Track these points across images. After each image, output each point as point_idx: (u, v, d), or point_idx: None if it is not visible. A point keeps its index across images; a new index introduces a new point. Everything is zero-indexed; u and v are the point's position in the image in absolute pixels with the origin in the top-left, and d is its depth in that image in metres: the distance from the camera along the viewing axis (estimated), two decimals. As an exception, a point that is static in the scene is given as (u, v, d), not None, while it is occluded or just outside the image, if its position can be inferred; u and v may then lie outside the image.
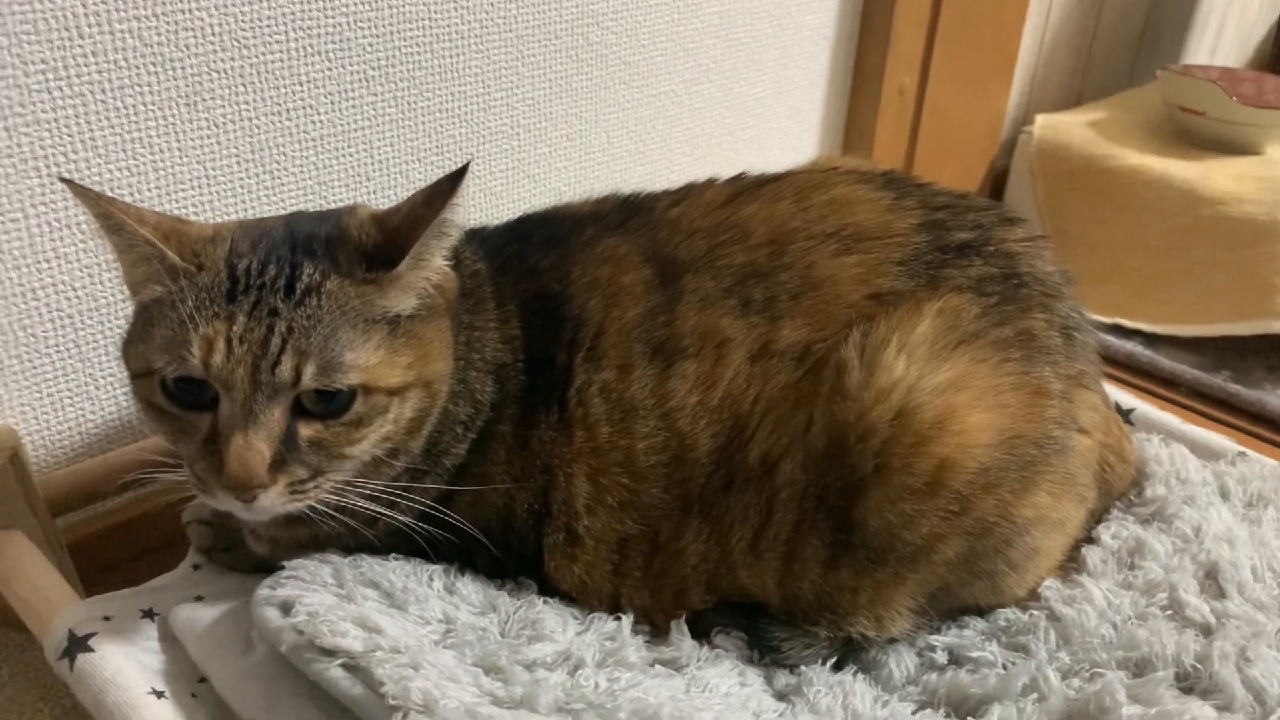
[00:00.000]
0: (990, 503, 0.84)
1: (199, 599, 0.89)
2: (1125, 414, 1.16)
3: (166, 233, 0.78)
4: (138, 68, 0.97)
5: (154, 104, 0.99)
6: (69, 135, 0.95)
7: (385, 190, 1.19)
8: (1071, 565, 0.96)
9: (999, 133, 1.97)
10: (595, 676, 0.76)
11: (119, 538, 1.05)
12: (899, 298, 0.87)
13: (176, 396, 0.76)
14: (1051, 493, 0.87)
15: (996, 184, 2.00)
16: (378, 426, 0.79)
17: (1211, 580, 0.91)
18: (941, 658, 0.87)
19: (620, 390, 0.87)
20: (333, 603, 0.78)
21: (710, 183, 0.98)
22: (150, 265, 0.77)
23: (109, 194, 0.78)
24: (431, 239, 0.79)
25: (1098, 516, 1.00)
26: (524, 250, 0.94)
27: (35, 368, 1.00)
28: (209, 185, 1.06)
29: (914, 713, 0.81)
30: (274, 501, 0.76)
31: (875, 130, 1.74)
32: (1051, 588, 0.92)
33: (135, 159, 1.00)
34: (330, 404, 0.77)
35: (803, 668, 0.85)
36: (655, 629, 0.87)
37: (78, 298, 1.00)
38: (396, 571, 0.84)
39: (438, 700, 0.70)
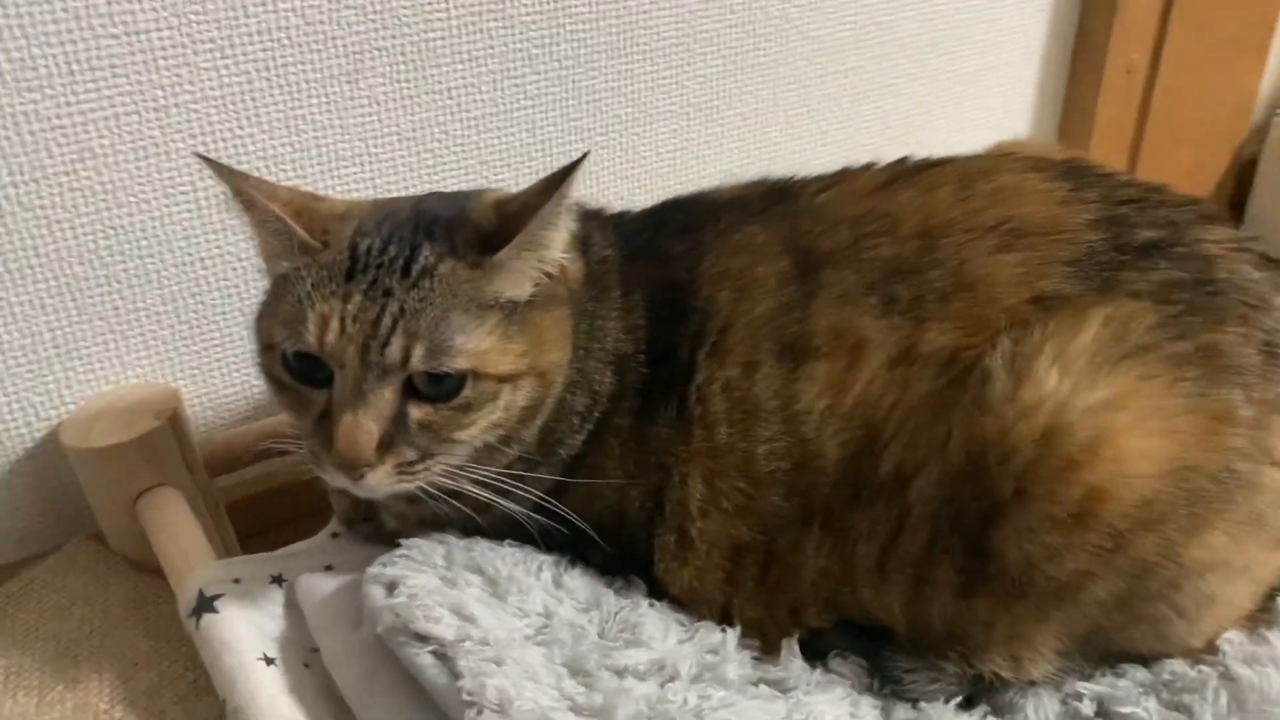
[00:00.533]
0: (1151, 541, 0.73)
1: (329, 568, 0.90)
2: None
3: (298, 209, 0.79)
4: (300, 45, 0.99)
5: (316, 81, 1.01)
6: (234, 111, 0.98)
7: (548, 171, 1.18)
8: (1263, 617, 0.83)
9: (1248, 116, 1.76)
10: (686, 692, 0.72)
11: (276, 501, 1.09)
12: (1064, 302, 0.78)
13: (296, 372, 0.77)
14: (1231, 534, 0.75)
15: (1243, 175, 1.79)
16: (487, 412, 0.77)
17: None
18: (1088, 708, 0.77)
19: (744, 389, 0.82)
20: (435, 586, 0.78)
21: (867, 167, 0.90)
22: (280, 241, 0.78)
23: (245, 171, 0.80)
24: (538, 228, 0.77)
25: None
26: (657, 237, 0.90)
27: (202, 334, 1.05)
28: (370, 162, 1.07)
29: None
30: (382, 481, 0.76)
31: (1097, 112, 1.59)
32: (1233, 641, 0.80)
33: (298, 135, 1.02)
34: (441, 387, 0.76)
35: (924, 704, 0.78)
36: (767, 645, 0.81)
37: (243, 268, 1.04)
38: (506, 559, 0.82)
39: (512, 700, 0.68)
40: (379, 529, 0.97)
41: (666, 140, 1.25)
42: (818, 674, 0.79)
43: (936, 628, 0.79)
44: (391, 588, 0.78)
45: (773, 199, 0.90)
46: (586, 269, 0.86)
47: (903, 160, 0.90)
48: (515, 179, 1.16)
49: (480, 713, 0.67)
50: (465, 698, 0.68)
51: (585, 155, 0.77)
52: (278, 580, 0.89)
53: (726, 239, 0.87)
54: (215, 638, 0.81)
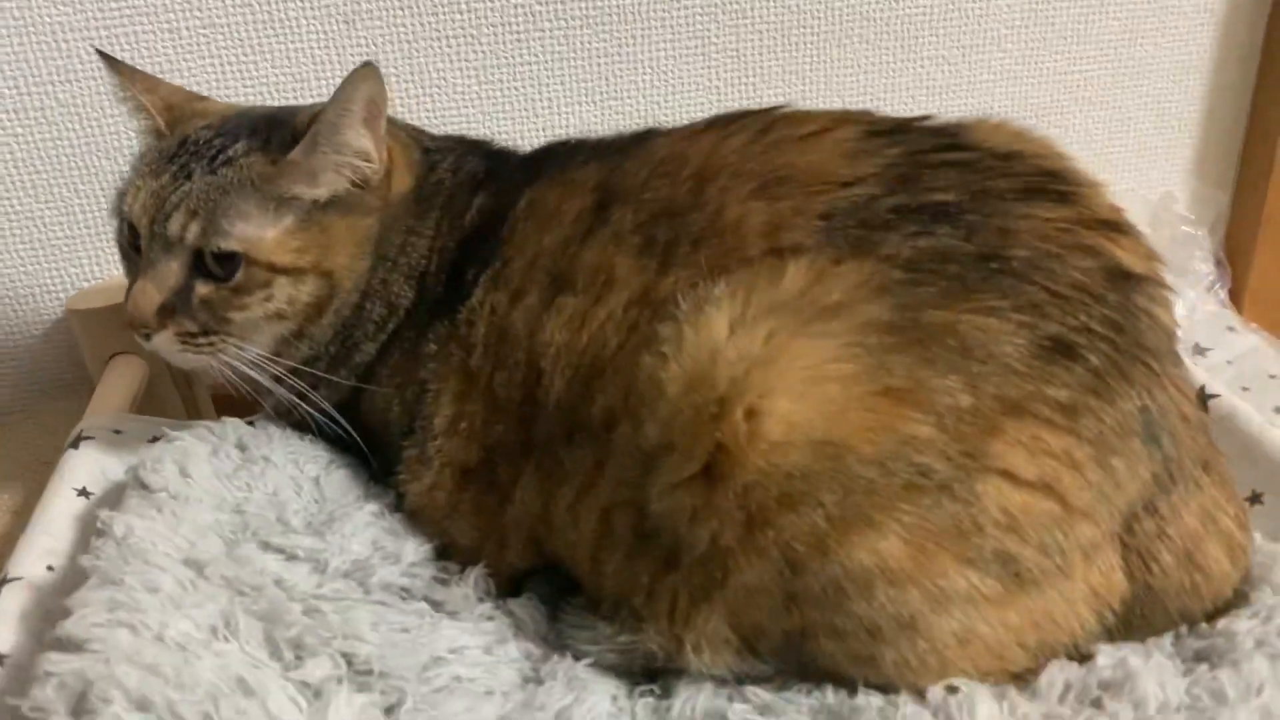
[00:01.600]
0: (794, 524, 0.65)
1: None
2: None
3: (169, 104, 0.89)
4: (295, -16, 1.11)
5: (315, 19, 1.12)
6: (239, 39, 1.12)
7: (550, 128, 1.21)
8: (1030, 673, 0.68)
9: None
10: (318, 583, 0.73)
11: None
12: (803, 255, 0.69)
13: (126, 239, 0.88)
14: (915, 544, 0.64)
15: None
16: (260, 299, 0.83)
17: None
18: (740, 711, 0.68)
19: (504, 316, 0.81)
20: (194, 448, 0.84)
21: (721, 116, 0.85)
22: (146, 127, 0.90)
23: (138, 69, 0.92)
24: (326, 133, 0.81)
25: (1121, 627, 0.70)
26: (507, 170, 0.91)
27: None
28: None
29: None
30: (165, 346, 0.84)
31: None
32: (952, 695, 0.66)
33: (298, 68, 1.14)
34: (222, 269, 0.82)
35: (582, 662, 0.72)
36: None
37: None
38: (279, 443, 0.87)
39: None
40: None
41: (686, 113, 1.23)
42: (486, 607, 0.76)
43: (610, 586, 0.74)
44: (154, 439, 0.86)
45: (627, 141, 0.87)
46: (417, 187, 0.88)
47: (769, 110, 0.83)
48: (520, 134, 1.20)
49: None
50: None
51: (367, 64, 0.80)
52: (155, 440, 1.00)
53: (560, 175, 0.86)
54: (62, 466, 0.93)
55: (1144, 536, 0.69)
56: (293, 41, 1.13)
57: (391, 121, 0.89)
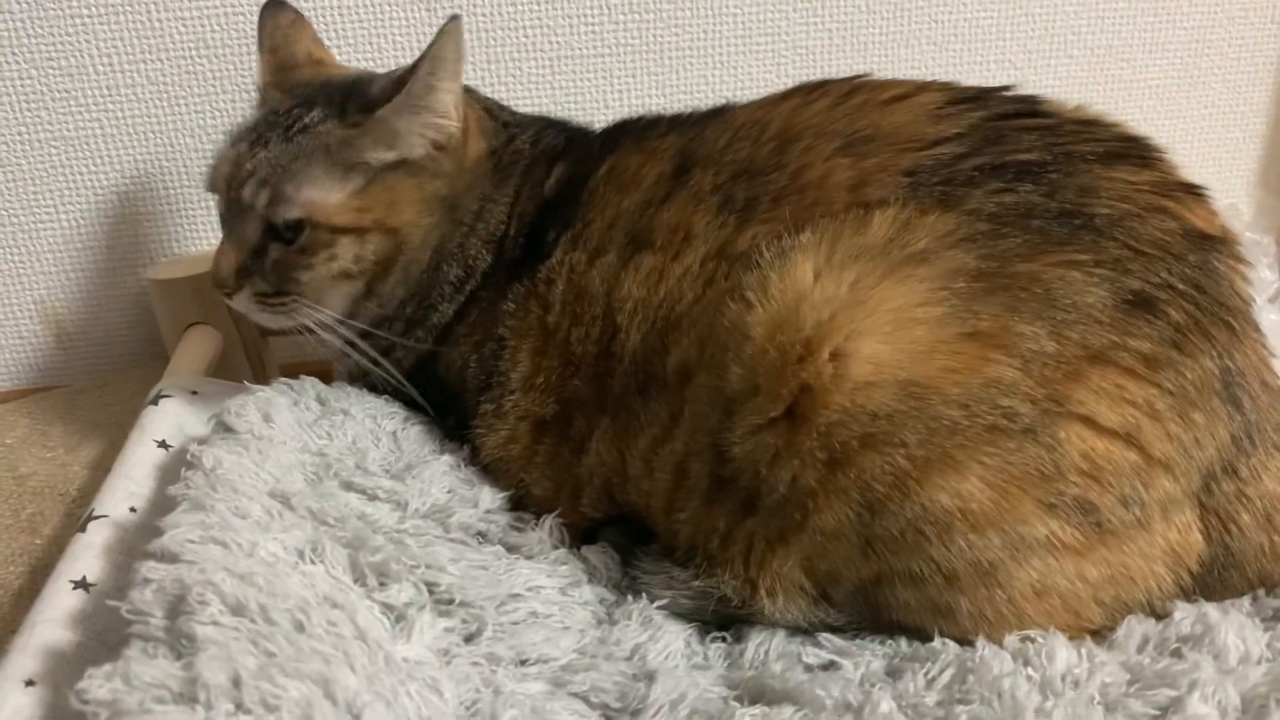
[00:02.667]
0: (876, 464, 0.65)
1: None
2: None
3: (281, 64, 0.93)
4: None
5: None
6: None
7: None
8: (1106, 630, 0.68)
9: None
10: (400, 519, 0.74)
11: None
12: (889, 208, 0.71)
13: (219, 204, 0.91)
14: (996, 486, 0.64)
15: None
16: (325, 259, 0.85)
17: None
18: (813, 657, 0.68)
19: (582, 274, 0.83)
20: (277, 399, 0.86)
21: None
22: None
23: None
24: (415, 90, 0.83)
25: (1198, 589, 0.70)
26: (587, 142, 0.93)
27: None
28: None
29: (722, 697, 0.66)
30: (245, 305, 0.88)
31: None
32: (1030, 643, 0.66)
33: (378, 52, 1.17)
34: (291, 232, 0.85)
35: (655, 605, 0.73)
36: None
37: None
38: (359, 400, 0.89)
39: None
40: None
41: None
42: (561, 552, 0.77)
43: (685, 534, 0.75)
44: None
45: (710, 113, 0.89)
46: (494, 155, 0.91)
47: (851, 78, 0.84)
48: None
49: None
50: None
51: (455, 17, 0.82)
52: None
53: (639, 144, 0.88)
54: (143, 420, 0.96)
55: (1223, 497, 0.69)
56: (375, 26, 1.16)
57: (470, 91, 0.92)
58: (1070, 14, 1.26)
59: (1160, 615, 0.69)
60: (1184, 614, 0.67)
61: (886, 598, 0.69)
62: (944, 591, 0.67)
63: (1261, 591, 0.71)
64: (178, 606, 0.58)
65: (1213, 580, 0.70)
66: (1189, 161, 1.33)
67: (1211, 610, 0.67)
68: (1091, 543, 0.65)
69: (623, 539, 0.78)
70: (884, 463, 0.64)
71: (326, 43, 1.15)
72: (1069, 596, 0.67)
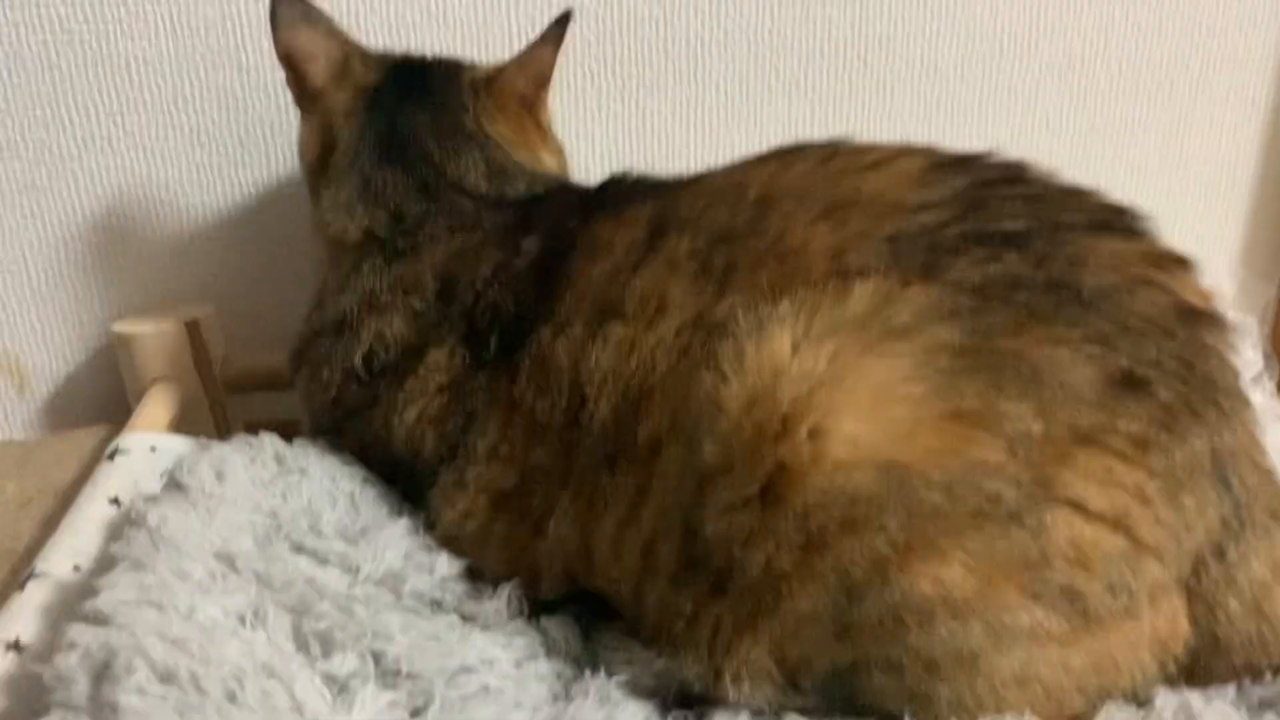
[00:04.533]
0: (855, 549, 0.62)
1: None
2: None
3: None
4: None
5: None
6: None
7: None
8: (1086, 717, 0.65)
9: None
10: (350, 584, 0.71)
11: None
12: (870, 277, 0.69)
13: None
14: (978, 573, 0.61)
15: None
16: None
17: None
18: (774, 745, 0.65)
19: (551, 344, 0.80)
20: (236, 456, 0.83)
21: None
22: None
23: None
24: None
25: (1182, 675, 0.67)
26: (564, 211, 0.90)
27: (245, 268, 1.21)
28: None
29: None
30: None
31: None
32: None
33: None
34: None
35: (614, 682, 0.69)
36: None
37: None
38: (317, 458, 0.86)
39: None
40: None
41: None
42: (519, 623, 0.74)
43: (650, 616, 0.72)
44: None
45: (689, 179, 0.87)
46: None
47: (830, 142, 0.83)
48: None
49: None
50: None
51: None
52: (186, 459, 0.99)
53: (616, 214, 0.86)
54: (97, 476, 0.92)
55: (1211, 583, 0.66)
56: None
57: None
58: (1054, 91, 1.26)
59: (1142, 702, 0.65)
60: (1166, 702, 0.64)
61: (861, 685, 0.65)
62: (922, 680, 0.63)
63: (1247, 680, 0.68)
64: (103, 673, 0.55)
65: (1198, 667, 0.67)
66: (1171, 240, 1.33)
67: (1195, 698, 0.64)
68: (1077, 631, 0.63)
69: (586, 613, 0.75)
70: (863, 547, 0.61)
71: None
72: (1052, 685, 0.64)
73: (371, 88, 0.94)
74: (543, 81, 0.98)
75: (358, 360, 0.87)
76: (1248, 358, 1.26)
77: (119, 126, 1.14)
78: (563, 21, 0.97)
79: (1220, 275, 1.31)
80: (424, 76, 0.96)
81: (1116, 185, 1.27)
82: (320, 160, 0.94)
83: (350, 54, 0.95)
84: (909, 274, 0.68)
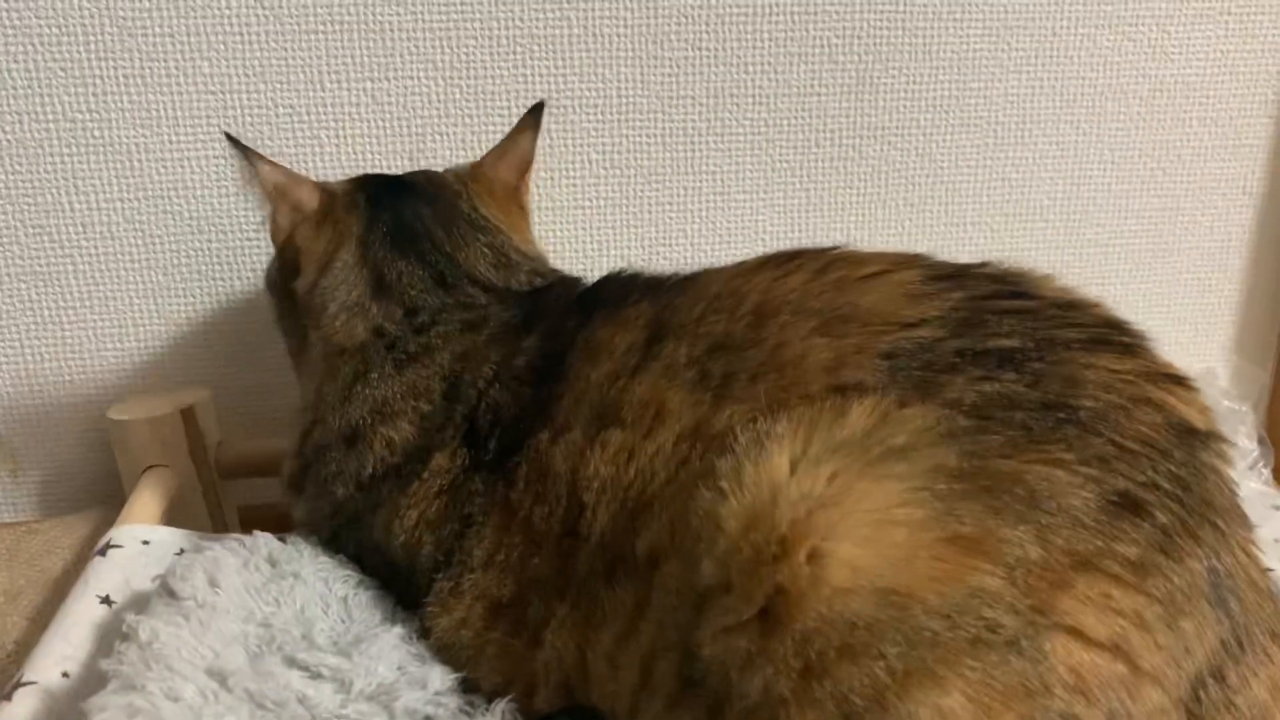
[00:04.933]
0: (855, 676, 0.61)
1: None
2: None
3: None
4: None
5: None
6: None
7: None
8: None
9: None
10: (343, 703, 0.70)
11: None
12: (867, 395, 0.69)
13: None
14: (980, 702, 0.60)
15: None
16: None
17: None
18: None
19: (548, 450, 0.80)
20: (226, 558, 0.83)
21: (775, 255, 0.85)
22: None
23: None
24: None
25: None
26: (562, 312, 0.90)
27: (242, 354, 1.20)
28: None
29: None
30: None
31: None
32: None
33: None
34: None
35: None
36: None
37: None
38: (310, 561, 0.85)
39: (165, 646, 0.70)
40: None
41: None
42: (512, 742, 0.72)
43: (647, 740, 0.70)
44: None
45: (685, 279, 0.88)
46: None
47: (826, 250, 0.83)
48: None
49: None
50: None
51: None
52: (180, 553, 0.98)
53: (613, 314, 0.86)
54: (88, 573, 0.92)
55: (1211, 706, 0.65)
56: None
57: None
58: (1046, 179, 1.28)
59: (1142, 832, 0.64)
60: (1168, 834, 0.63)
61: (859, 811, 0.64)
62: (929, 813, 0.63)
63: (1248, 806, 0.67)
64: (92, 810, 0.54)
65: (1199, 793, 0.66)
66: (1164, 327, 1.34)
67: (1196, 830, 0.63)
68: None
69: (579, 724, 0.74)
70: (862, 675, 0.61)
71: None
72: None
73: (366, 191, 0.95)
74: (525, 167, 1.03)
75: (370, 470, 0.86)
76: (1243, 445, 1.26)
77: (118, 213, 1.15)
78: (537, 110, 1.02)
79: (1214, 362, 1.32)
80: (404, 181, 0.98)
81: (1110, 272, 1.30)
82: (320, 270, 0.94)
83: (321, 185, 0.97)
84: (905, 392, 0.68)
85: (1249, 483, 1.28)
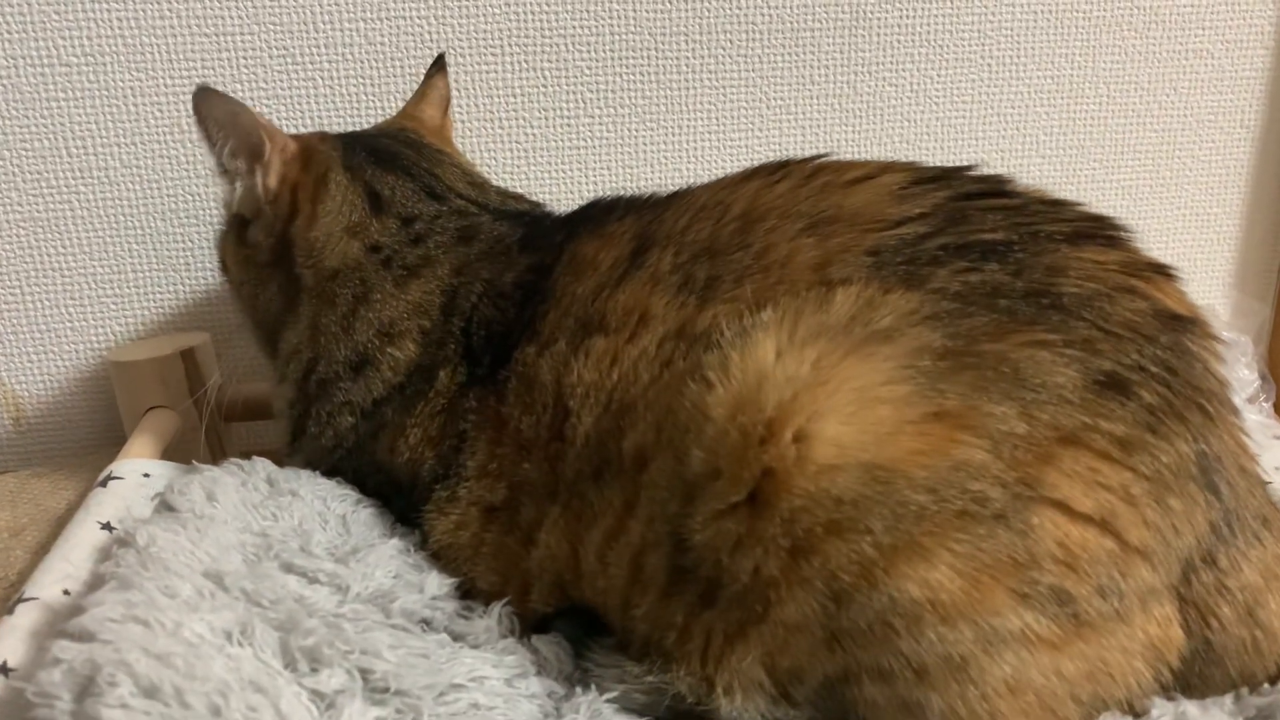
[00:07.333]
0: (841, 552, 0.61)
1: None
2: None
3: None
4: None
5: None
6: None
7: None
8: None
9: None
10: (339, 602, 0.71)
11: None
12: (852, 286, 0.69)
13: None
14: (966, 575, 0.61)
15: None
16: None
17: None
18: (769, 759, 0.64)
19: (534, 361, 0.81)
20: (225, 480, 0.83)
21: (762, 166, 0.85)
22: None
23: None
24: None
25: (1178, 685, 0.66)
26: (550, 230, 0.91)
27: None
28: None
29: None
30: None
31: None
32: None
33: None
34: None
35: (604, 701, 0.69)
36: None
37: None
38: (309, 482, 0.86)
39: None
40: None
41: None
42: (510, 641, 0.73)
43: (641, 629, 0.71)
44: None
45: (670, 196, 0.88)
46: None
47: (811, 158, 0.83)
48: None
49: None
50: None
51: None
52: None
53: (598, 230, 0.86)
54: (89, 502, 0.92)
55: (1202, 589, 0.66)
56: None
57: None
58: (1043, 115, 1.28)
59: (1138, 714, 0.65)
60: (1162, 712, 0.64)
61: (853, 695, 0.65)
62: (914, 688, 0.63)
63: (1244, 689, 0.67)
64: (86, 688, 0.55)
65: (1193, 677, 0.66)
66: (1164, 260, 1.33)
67: (1191, 708, 0.63)
68: (1068, 635, 0.62)
69: (577, 630, 0.75)
70: (849, 551, 0.61)
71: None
72: (1045, 693, 0.63)
73: (326, 135, 0.97)
74: (445, 105, 1.06)
75: (375, 394, 0.87)
76: (1243, 377, 1.26)
77: (115, 158, 1.15)
78: (439, 60, 1.07)
79: (1214, 296, 1.32)
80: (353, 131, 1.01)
81: (1107, 208, 1.28)
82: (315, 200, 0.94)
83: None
84: (890, 284, 0.68)
85: (1250, 414, 1.27)
